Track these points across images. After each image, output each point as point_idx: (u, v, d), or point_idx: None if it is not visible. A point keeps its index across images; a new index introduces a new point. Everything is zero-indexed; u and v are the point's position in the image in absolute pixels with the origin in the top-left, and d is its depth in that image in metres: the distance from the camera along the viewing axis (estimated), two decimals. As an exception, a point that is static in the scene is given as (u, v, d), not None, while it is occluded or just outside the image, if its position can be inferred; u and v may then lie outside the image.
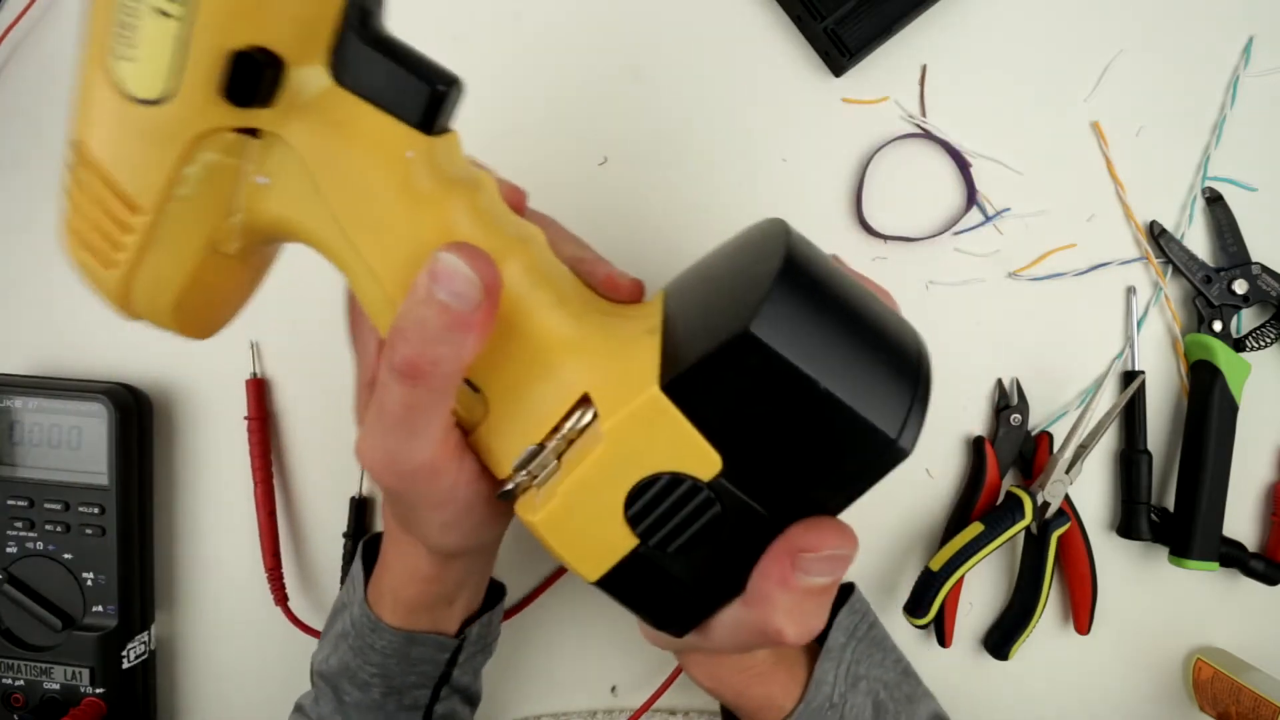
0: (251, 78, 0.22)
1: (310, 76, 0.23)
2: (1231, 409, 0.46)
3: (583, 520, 0.25)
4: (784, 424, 0.22)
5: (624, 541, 0.25)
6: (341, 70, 0.23)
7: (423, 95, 0.23)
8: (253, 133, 0.23)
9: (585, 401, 0.25)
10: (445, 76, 0.24)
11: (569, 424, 0.25)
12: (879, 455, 0.22)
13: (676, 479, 0.23)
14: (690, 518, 0.24)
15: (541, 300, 0.26)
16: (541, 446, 0.25)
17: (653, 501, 0.24)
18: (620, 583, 0.25)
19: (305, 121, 0.23)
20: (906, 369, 0.23)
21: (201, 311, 0.28)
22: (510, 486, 0.26)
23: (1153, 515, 0.47)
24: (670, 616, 0.26)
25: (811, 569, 0.24)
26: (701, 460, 0.23)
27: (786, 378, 0.21)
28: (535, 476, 0.26)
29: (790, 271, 0.23)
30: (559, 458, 0.25)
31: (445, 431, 0.26)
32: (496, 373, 0.26)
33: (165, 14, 0.21)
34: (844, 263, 0.27)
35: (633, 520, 0.24)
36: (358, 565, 0.37)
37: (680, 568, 0.25)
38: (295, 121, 0.23)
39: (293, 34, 0.23)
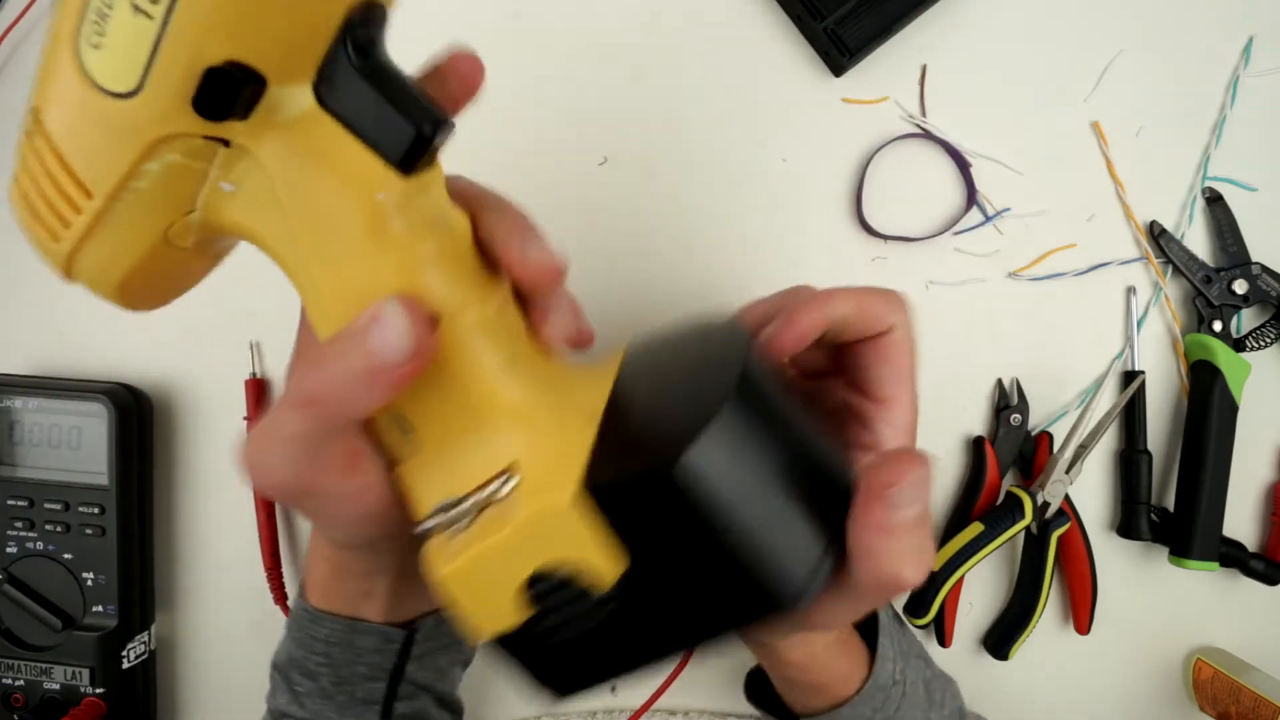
0: (226, 94, 0.21)
1: (292, 95, 0.22)
2: (1231, 409, 0.46)
3: (484, 586, 0.25)
4: (686, 557, 0.23)
5: (518, 614, 0.25)
6: (327, 93, 0.22)
7: (407, 136, 0.22)
8: (223, 141, 0.22)
9: (512, 470, 0.25)
10: (434, 117, 0.23)
11: (491, 488, 0.25)
12: (772, 609, 0.23)
13: (573, 576, 0.24)
14: (583, 612, 0.24)
15: (491, 359, 0.25)
16: (461, 500, 0.25)
17: (552, 588, 0.24)
18: (509, 647, 0.26)
19: (280, 140, 0.22)
20: (822, 528, 0.24)
21: (146, 292, 0.27)
22: (429, 526, 0.26)
23: (1153, 515, 0.47)
24: (554, 681, 0.27)
25: (903, 499, 0.24)
26: (605, 562, 0.23)
27: (694, 524, 0.22)
28: (449, 527, 0.25)
29: (728, 417, 0.22)
30: (477, 514, 0.25)
31: (322, 459, 0.25)
32: (433, 418, 0.26)
33: (140, 10, 0.20)
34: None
35: (532, 598, 0.24)
36: (303, 561, 0.39)
37: (567, 647, 0.25)
38: (269, 138, 0.22)
39: (278, 53, 0.21)
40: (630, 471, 0.22)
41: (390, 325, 0.23)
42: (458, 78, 0.26)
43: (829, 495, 0.24)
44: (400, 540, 0.29)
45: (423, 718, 0.38)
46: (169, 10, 0.20)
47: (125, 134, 0.22)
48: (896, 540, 0.24)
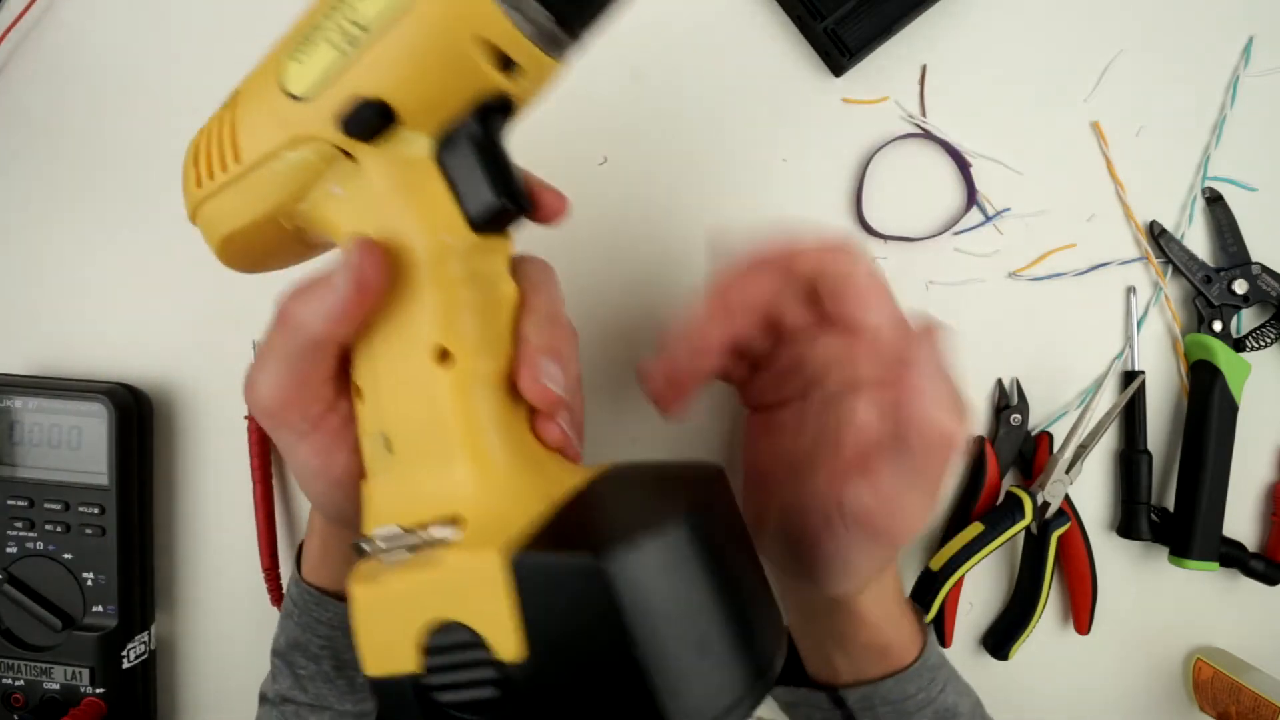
0: (367, 122, 0.26)
1: (415, 139, 0.27)
2: (1231, 409, 0.46)
3: (388, 620, 0.25)
4: (591, 657, 0.22)
5: (408, 662, 0.25)
6: (443, 148, 0.27)
7: (490, 206, 0.27)
8: (348, 154, 0.27)
9: (457, 520, 0.26)
10: (516, 203, 0.27)
11: (431, 530, 0.26)
12: None
13: (476, 640, 0.24)
14: (470, 681, 0.24)
15: (482, 410, 0.27)
16: (404, 532, 0.26)
17: (448, 646, 0.24)
18: (386, 692, 0.26)
19: (391, 169, 0.27)
20: (736, 679, 0.23)
21: (244, 255, 0.32)
22: (364, 546, 0.27)
23: (1153, 515, 0.47)
24: None
25: (931, 355, 0.27)
26: (508, 639, 0.23)
27: (609, 623, 0.22)
28: (384, 553, 0.26)
29: (675, 533, 0.23)
30: (411, 550, 0.26)
31: (296, 385, 0.28)
32: (412, 444, 0.27)
33: (338, 49, 0.26)
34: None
35: (426, 650, 0.25)
36: (299, 548, 0.40)
37: (445, 713, 0.25)
38: (383, 164, 0.27)
39: (420, 108, 0.26)
40: (562, 552, 0.23)
41: (344, 258, 0.26)
42: (543, 206, 0.30)
43: (755, 643, 0.24)
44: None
45: None
46: (357, 57, 0.25)
47: (284, 125, 0.27)
48: (941, 399, 0.27)
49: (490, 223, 0.27)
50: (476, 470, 0.27)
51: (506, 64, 0.26)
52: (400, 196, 0.27)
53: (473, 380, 0.27)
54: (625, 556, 0.22)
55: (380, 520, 0.27)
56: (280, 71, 0.27)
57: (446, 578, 0.24)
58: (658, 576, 0.22)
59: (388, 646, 0.25)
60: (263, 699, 0.39)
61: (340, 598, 0.36)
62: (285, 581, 0.47)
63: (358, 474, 0.29)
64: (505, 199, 0.27)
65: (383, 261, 0.26)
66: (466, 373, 0.27)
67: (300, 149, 0.27)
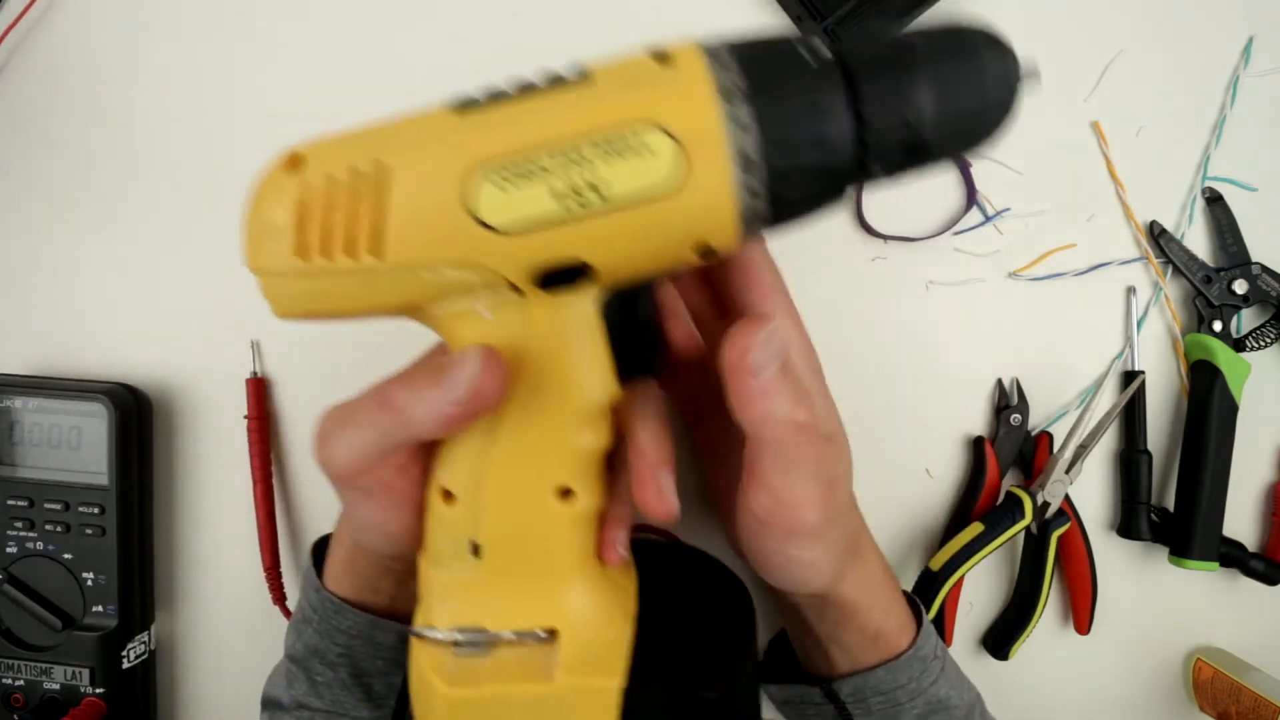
0: (564, 278, 0.25)
1: (588, 293, 0.26)
2: (1231, 409, 0.46)
3: (481, 718, 0.28)
4: None
5: None
6: (608, 305, 0.27)
7: (644, 365, 0.28)
8: (516, 288, 0.25)
9: (554, 634, 0.28)
10: (650, 366, 0.29)
11: (527, 638, 0.28)
12: None
13: None
14: None
15: (579, 542, 0.29)
16: (491, 634, 0.28)
17: None
18: None
19: (556, 316, 0.26)
20: None
21: (311, 318, 0.28)
22: (438, 637, 0.28)
23: (1153, 515, 0.47)
24: None
25: (762, 359, 0.27)
26: None
27: None
28: (462, 647, 0.28)
29: (744, 670, 0.30)
30: (491, 651, 0.28)
31: (378, 459, 0.28)
32: (507, 560, 0.28)
33: (560, 202, 0.23)
34: None
35: None
36: (312, 551, 0.40)
37: None
38: (551, 311, 0.26)
39: (615, 275, 0.26)
40: (672, 687, 0.28)
41: (465, 365, 0.25)
42: (643, 504, 0.30)
43: None
44: (403, 567, 0.32)
45: None
46: (582, 219, 0.24)
47: (458, 245, 0.24)
48: (777, 395, 0.27)
49: (633, 378, 0.28)
50: (581, 592, 0.29)
51: (709, 253, 0.26)
52: (560, 344, 0.26)
53: (588, 516, 0.29)
54: (722, 691, 0.28)
55: (457, 617, 0.28)
56: (469, 185, 0.24)
57: (557, 694, 0.27)
58: (742, 695, 0.30)
59: None
60: (274, 704, 0.38)
61: (360, 607, 0.37)
62: (285, 581, 0.47)
63: (415, 533, 0.30)
64: (655, 359, 0.28)
65: (505, 380, 0.26)
66: (584, 510, 0.28)
67: (466, 271, 0.25)
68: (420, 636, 0.29)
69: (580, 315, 0.26)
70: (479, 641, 0.28)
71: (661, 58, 0.26)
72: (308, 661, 0.37)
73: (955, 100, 0.24)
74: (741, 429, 0.28)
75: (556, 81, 0.25)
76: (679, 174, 0.23)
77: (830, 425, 0.32)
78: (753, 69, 0.25)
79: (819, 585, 0.33)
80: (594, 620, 0.29)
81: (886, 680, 0.36)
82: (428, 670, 0.28)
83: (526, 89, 0.25)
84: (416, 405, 0.26)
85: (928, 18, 0.44)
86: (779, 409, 0.27)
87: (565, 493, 0.28)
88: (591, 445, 0.28)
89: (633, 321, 0.27)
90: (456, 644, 0.28)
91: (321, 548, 0.40)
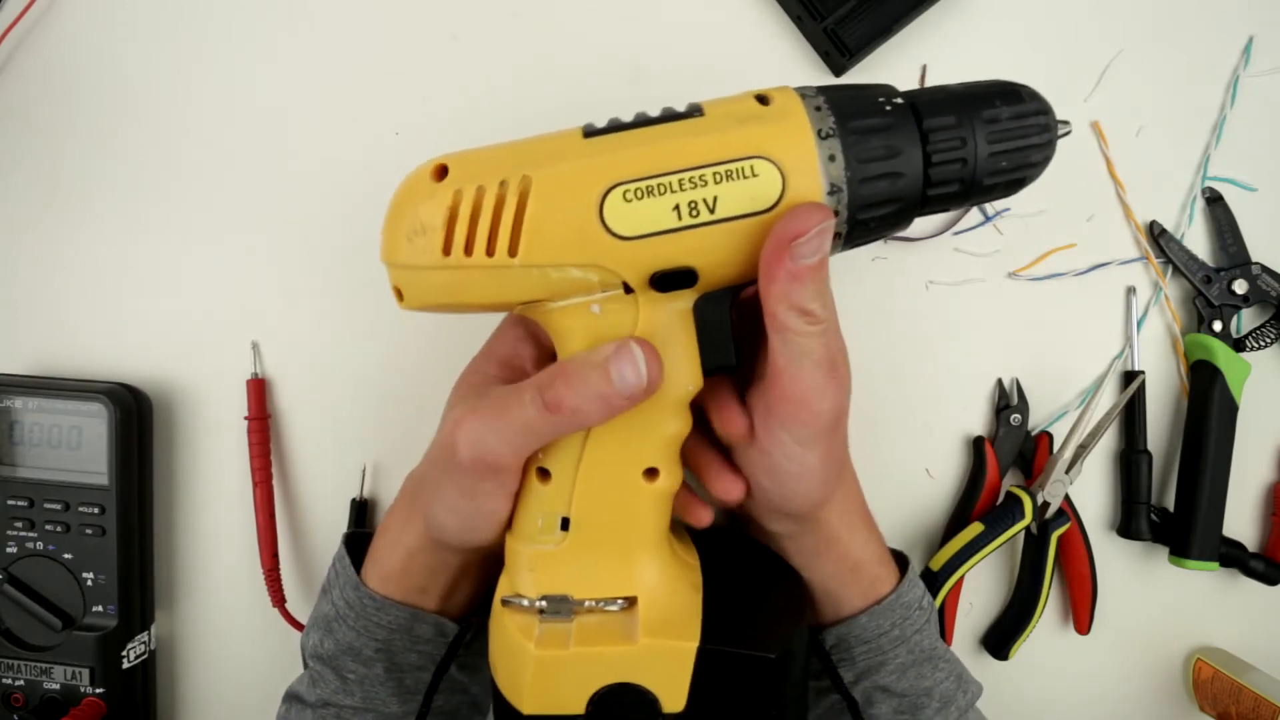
0: (673, 281, 0.29)
1: (687, 297, 0.30)
2: (1231, 409, 0.46)
3: (566, 676, 0.31)
4: (737, 710, 0.32)
5: (575, 706, 0.31)
6: (700, 305, 0.30)
7: (726, 363, 0.31)
8: (629, 288, 0.29)
9: (634, 601, 0.32)
10: (728, 362, 0.31)
11: (609, 604, 0.32)
12: None
13: (651, 699, 0.31)
14: None
15: (662, 519, 0.33)
16: (576, 601, 0.32)
17: (619, 698, 0.31)
18: None
19: (659, 314, 0.30)
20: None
21: (434, 309, 0.32)
22: (525, 604, 0.32)
23: (1153, 515, 0.47)
24: None
25: (807, 250, 0.28)
26: (678, 699, 0.31)
27: (759, 696, 0.32)
28: (546, 613, 0.32)
29: (797, 640, 0.34)
30: (570, 615, 0.32)
31: (517, 455, 0.31)
32: (594, 535, 0.32)
33: (679, 215, 0.28)
34: None
35: (595, 700, 0.31)
36: (342, 551, 0.40)
37: None
38: (657, 309, 0.30)
39: (714, 279, 0.29)
40: (744, 648, 0.31)
41: (632, 361, 0.29)
42: (717, 487, 0.35)
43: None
44: (475, 560, 0.35)
45: (456, 716, 0.39)
46: (694, 230, 0.28)
47: (587, 250, 0.28)
48: (807, 283, 0.28)
49: (714, 373, 0.31)
50: (657, 565, 0.33)
51: None
52: (658, 339, 0.30)
53: (669, 494, 0.33)
54: (782, 655, 0.32)
55: (544, 586, 0.32)
56: (603, 198, 0.28)
57: (640, 653, 0.31)
58: (798, 658, 0.34)
59: (557, 694, 0.31)
60: (297, 699, 0.38)
61: (401, 603, 0.37)
62: (285, 582, 0.47)
63: (500, 519, 0.33)
64: (735, 357, 0.31)
65: (663, 369, 0.30)
66: (666, 488, 0.32)
67: (589, 271, 0.29)
68: (509, 604, 0.32)
69: (677, 314, 0.30)
70: (563, 609, 0.32)
71: (763, 99, 0.30)
72: (338, 660, 0.37)
73: (1004, 146, 0.30)
74: (764, 310, 0.30)
75: (672, 115, 0.29)
76: (777, 195, 0.28)
77: (841, 350, 0.32)
78: (840, 111, 0.29)
79: (809, 498, 0.34)
80: (669, 590, 0.33)
81: (870, 628, 0.37)
82: (516, 634, 0.31)
83: (644, 120, 0.29)
84: (589, 403, 0.29)
85: (929, 23, 0.45)
86: (803, 295, 0.29)
87: (651, 472, 0.32)
88: (677, 431, 0.32)
89: (718, 322, 0.31)
90: (542, 611, 0.32)
91: (353, 547, 0.40)
